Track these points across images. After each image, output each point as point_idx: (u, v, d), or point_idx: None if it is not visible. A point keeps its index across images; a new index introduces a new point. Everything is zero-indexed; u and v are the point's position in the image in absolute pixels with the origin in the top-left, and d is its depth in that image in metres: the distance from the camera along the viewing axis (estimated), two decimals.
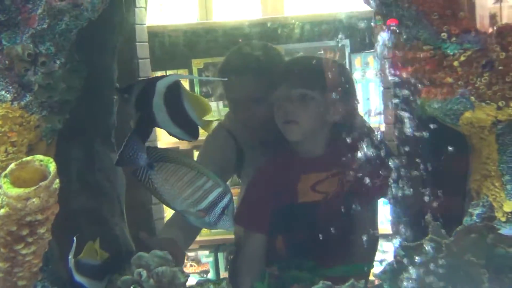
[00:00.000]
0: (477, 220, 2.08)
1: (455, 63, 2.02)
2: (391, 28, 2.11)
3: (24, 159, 1.77)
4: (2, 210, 1.69)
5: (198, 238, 4.17)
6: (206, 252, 4.84)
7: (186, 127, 2.29)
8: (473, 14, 2.05)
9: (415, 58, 2.07)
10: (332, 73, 2.79)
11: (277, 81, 2.86)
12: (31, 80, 2.08)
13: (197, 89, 4.49)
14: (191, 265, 4.64)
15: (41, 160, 1.75)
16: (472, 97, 2.02)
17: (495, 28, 2.05)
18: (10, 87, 2.08)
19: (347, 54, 4.40)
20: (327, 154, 2.83)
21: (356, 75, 4.39)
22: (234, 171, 3.30)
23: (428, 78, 2.07)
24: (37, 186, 1.68)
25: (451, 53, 2.03)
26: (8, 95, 2.07)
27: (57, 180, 1.74)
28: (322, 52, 4.41)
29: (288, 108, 2.76)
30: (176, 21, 4.54)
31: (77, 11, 2.01)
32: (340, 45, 4.40)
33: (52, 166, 1.74)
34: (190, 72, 4.51)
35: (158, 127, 2.37)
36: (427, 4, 2.00)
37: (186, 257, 4.57)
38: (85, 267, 2.24)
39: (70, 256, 2.17)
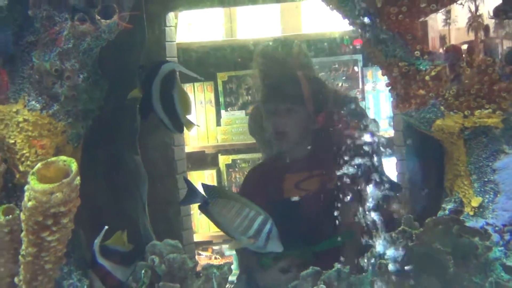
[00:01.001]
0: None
1: (427, 78, 2.10)
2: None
3: (49, 159, 1.83)
4: (30, 203, 1.76)
5: (222, 233, 4.30)
6: None
7: (172, 117, 2.38)
8: (426, 36, 2.13)
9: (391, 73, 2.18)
10: (312, 88, 2.96)
11: (266, 97, 3.06)
12: (58, 92, 2.15)
13: (221, 99, 4.54)
14: (215, 258, 4.62)
15: (64, 161, 1.81)
16: (442, 107, 2.11)
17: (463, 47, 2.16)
18: (40, 98, 2.16)
19: (359, 68, 4.46)
20: (309, 156, 2.96)
21: (368, 87, 4.47)
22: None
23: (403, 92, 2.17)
24: (60, 182, 1.75)
25: (423, 69, 2.12)
26: (37, 105, 2.16)
27: (78, 178, 1.79)
28: (337, 65, 4.48)
29: (277, 120, 2.92)
30: (203, 39, 4.60)
31: (97, 33, 2.10)
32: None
33: (74, 166, 1.80)
34: (216, 85, 4.58)
35: (153, 110, 2.42)
36: (402, 26, 2.08)
37: (210, 250, 4.67)
38: (110, 252, 2.28)
39: (96, 241, 2.22)
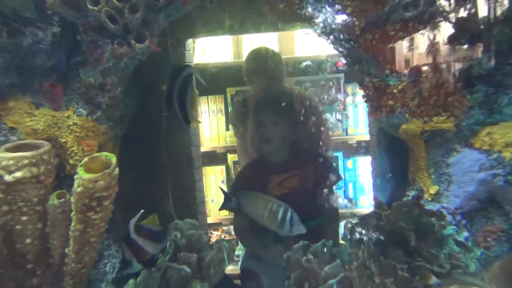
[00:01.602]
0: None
1: (395, 91, 2.13)
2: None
3: (94, 154, 1.88)
4: (79, 189, 1.80)
5: (229, 216, 4.33)
6: None
7: (182, 110, 2.39)
8: (394, 58, 2.16)
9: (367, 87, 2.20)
10: (296, 104, 2.95)
11: (256, 109, 2.99)
12: (101, 101, 2.19)
13: (230, 109, 4.52)
14: (225, 236, 4.61)
15: (106, 155, 1.86)
16: (406, 114, 2.13)
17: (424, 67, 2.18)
18: (86, 105, 2.20)
19: (342, 84, 4.47)
20: (289, 160, 2.92)
21: (348, 99, 4.48)
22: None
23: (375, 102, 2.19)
24: (103, 172, 1.80)
25: (392, 84, 2.14)
26: (84, 111, 2.20)
27: (117, 169, 1.84)
28: (324, 82, 4.49)
29: (264, 129, 2.88)
30: (215, 60, 4.62)
31: (132, 54, 2.13)
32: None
33: (114, 159, 1.84)
34: (225, 97, 4.60)
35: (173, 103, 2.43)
36: (376, 50, 2.11)
37: (221, 230, 4.68)
38: (143, 230, 2.26)
39: (132, 220, 2.20)
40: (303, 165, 2.91)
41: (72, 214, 1.92)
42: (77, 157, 2.20)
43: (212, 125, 4.55)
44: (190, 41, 3.51)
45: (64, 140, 2.19)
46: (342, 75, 4.44)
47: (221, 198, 2.89)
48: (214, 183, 4.50)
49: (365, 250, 2.01)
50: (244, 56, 4.71)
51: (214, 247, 2.30)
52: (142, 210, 2.22)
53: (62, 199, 1.98)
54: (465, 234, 2.10)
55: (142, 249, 2.26)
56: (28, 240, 2.03)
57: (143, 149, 2.88)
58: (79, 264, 2.05)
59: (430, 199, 2.19)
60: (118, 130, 2.37)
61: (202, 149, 4.17)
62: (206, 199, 3.86)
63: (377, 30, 2.08)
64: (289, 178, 2.91)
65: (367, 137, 4.09)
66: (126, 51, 2.12)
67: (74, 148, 2.20)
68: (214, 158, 4.55)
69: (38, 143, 2.01)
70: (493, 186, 2.07)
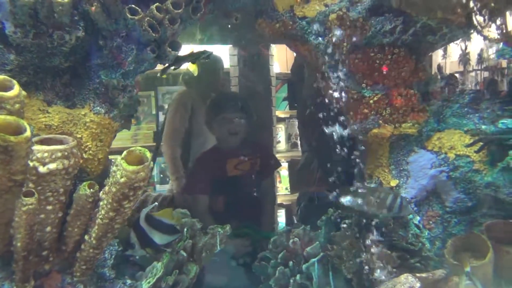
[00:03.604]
0: None
1: (371, 101, 2.26)
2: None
3: (130, 149, 1.80)
4: (122, 179, 1.74)
5: None
6: None
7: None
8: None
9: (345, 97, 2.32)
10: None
11: (221, 108, 3.16)
12: (120, 101, 2.13)
13: None
14: None
15: (140, 150, 1.80)
16: (380, 121, 2.27)
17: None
18: (103, 104, 2.12)
19: None
20: (242, 146, 3.16)
21: None
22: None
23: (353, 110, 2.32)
24: (143, 165, 1.75)
25: (368, 95, 2.27)
26: (102, 110, 2.11)
27: (152, 162, 1.86)
28: None
29: (231, 125, 3.10)
30: None
31: (154, 60, 2.11)
32: None
33: (148, 153, 1.79)
34: None
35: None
36: (355, 67, 2.24)
37: None
38: (153, 221, 2.21)
39: (144, 210, 2.18)
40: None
41: (103, 203, 1.86)
42: (90, 152, 2.12)
43: None
44: None
45: (80, 136, 2.09)
46: None
47: None
48: None
49: (350, 232, 2.14)
50: None
51: (208, 232, 2.31)
52: (156, 203, 2.20)
53: (93, 189, 1.92)
54: (418, 218, 2.28)
55: (147, 236, 2.24)
56: (48, 228, 1.93)
57: None
58: (96, 250, 1.99)
59: None
60: (127, 128, 2.32)
61: None
62: None
63: (359, 51, 2.22)
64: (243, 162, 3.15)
65: None
66: (147, 57, 2.09)
67: (88, 143, 2.11)
68: None
69: (61, 137, 1.91)
70: (439, 180, 2.26)
